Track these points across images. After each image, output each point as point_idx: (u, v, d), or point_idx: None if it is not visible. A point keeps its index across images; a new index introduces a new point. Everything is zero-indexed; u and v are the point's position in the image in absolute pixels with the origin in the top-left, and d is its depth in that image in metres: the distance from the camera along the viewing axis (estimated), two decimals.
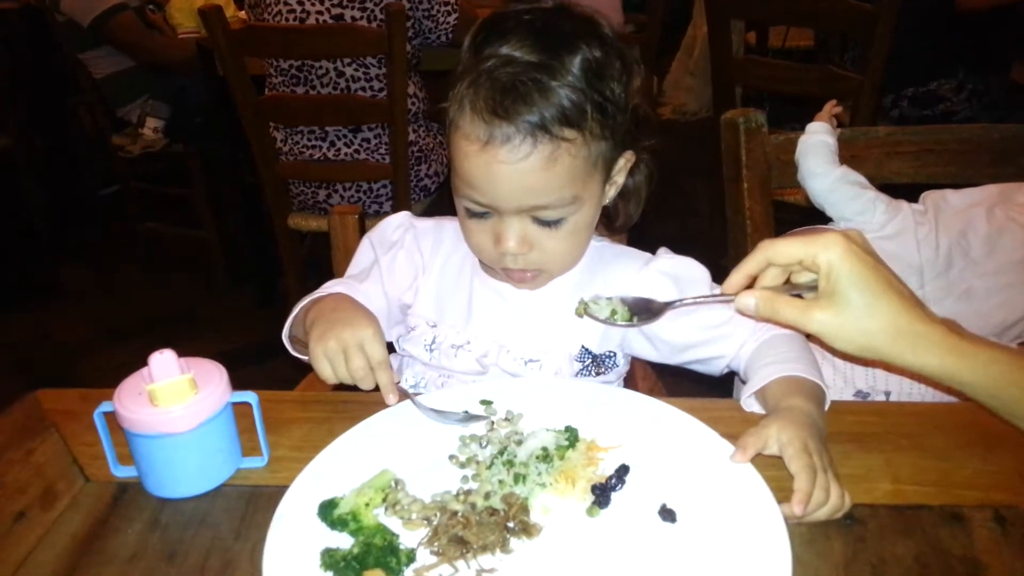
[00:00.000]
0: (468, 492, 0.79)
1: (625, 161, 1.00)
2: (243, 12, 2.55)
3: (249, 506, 0.80)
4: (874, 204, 1.26)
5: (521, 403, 0.91)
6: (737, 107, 2.08)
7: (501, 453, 0.83)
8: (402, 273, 1.10)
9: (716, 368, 1.05)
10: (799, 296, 0.77)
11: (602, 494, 0.78)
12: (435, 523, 0.75)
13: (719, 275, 0.88)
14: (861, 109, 2.10)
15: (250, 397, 0.84)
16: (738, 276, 0.79)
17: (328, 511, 0.75)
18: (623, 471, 0.80)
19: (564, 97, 0.87)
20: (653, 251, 1.09)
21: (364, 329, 0.88)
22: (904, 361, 0.73)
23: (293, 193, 2.42)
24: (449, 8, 2.25)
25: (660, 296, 0.95)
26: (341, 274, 1.16)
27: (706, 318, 1.01)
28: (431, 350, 1.07)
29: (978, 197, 1.25)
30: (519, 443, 0.84)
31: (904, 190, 1.32)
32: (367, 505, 0.76)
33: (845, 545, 0.73)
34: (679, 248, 1.08)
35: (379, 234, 1.13)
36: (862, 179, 1.28)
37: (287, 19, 2.16)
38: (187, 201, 3.20)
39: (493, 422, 0.89)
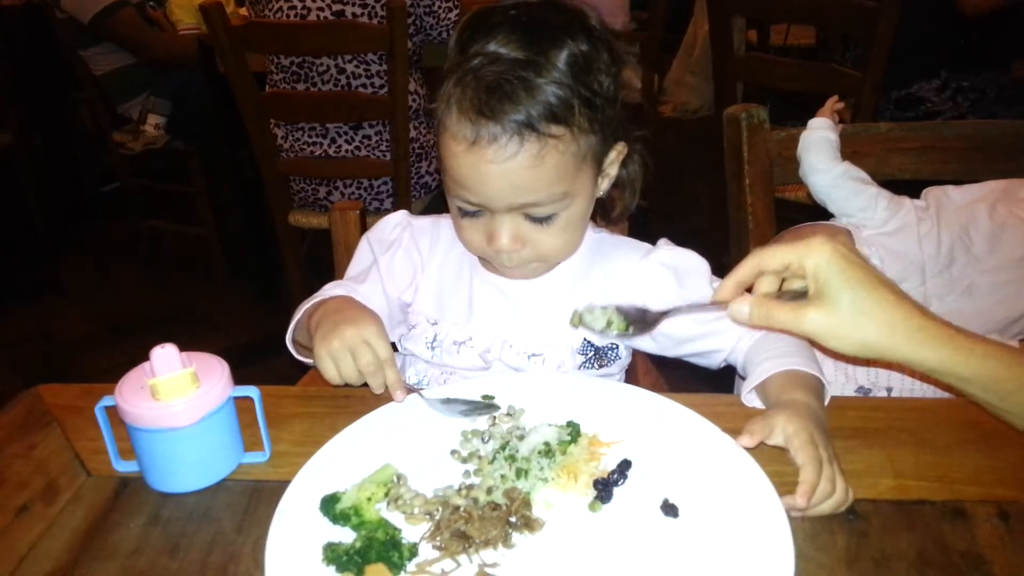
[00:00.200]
0: (470, 487, 0.79)
1: (617, 153, 1.00)
2: (244, 8, 2.55)
3: (251, 501, 0.80)
4: (876, 200, 1.25)
5: (523, 398, 0.91)
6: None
7: (503, 448, 0.83)
8: (401, 272, 1.10)
9: (714, 361, 1.05)
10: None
11: (604, 489, 0.78)
12: (437, 518, 0.75)
13: (721, 272, 0.88)
14: (862, 107, 2.10)
15: (252, 392, 0.84)
16: (730, 283, 0.78)
17: (330, 506, 0.75)
18: (625, 466, 0.80)
19: (550, 94, 0.87)
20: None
21: (368, 327, 0.88)
22: (901, 356, 0.73)
23: (294, 190, 2.42)
24: (450, 4, 2.25)
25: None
26: (342, 271, 1.17)
27: (704, 312, 1.01)
28: (433, 347, 1.07)
29: (980, 193, 1.25)
30: (521, 438, 0.84)
31: (906, 186, 1.31)
32: (369, 500, 0.76)
33: (848, 540, 0.73)
34: (681, 245, 1.08)
35: (377, 234, 1.13)
36: (864, 175, 1.28)
37: (288, 15, 2.16)
38: (188, 198, 3.20)
39: (495, 417, 0.89)
